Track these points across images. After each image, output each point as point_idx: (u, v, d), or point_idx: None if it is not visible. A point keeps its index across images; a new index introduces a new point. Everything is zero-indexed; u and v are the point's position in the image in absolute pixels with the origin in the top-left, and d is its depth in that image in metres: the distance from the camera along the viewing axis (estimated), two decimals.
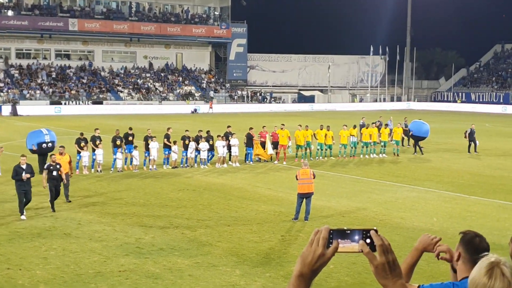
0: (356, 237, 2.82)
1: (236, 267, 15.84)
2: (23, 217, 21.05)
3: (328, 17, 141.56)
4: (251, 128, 36.39)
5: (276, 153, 36.34)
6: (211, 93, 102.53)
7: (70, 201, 23.91)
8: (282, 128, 36.66)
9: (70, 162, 25.19)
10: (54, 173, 22.70)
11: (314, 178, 21.08)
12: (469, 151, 40.86)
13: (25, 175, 21.27)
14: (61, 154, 24.69)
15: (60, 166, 23.11)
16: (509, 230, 19.73)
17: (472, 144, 41.14)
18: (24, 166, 21.52)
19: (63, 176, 23.18)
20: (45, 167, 23.27)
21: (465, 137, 41.47)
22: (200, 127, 38.44)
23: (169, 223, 20.66)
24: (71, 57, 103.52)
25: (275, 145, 36.35)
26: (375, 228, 2.83)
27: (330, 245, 2.77)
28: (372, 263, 2.83)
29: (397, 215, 22.21)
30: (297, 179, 21.04)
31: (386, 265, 2.83)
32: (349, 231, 2.82)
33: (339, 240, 2.80)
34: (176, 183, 28.97)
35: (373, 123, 43.66)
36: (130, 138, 33.59)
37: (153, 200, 24.86)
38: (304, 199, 20.94)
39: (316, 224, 20.39)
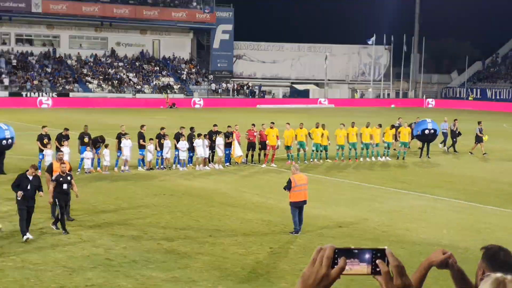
0: (366, 256, 2.78)
1: (218, 282, 15.80)
2: (28, 236, 19.28)
3: (325, 0, 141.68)
4: (228, 127, 36.54)
5: (265, 154, 36.49)
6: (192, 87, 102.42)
7: (73, 219, 22.14)
8: (272, 127, 36.71)
9: (70, 170, 22.84)
10: (65, 186, 20.93)
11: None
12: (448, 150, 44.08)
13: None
14: (60, 160, 22.68)
15: (72, 178, 21.45)
16: None
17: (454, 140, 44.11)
18: (31, 178, 19.93)
19: (75, 190, 21.58)
20: (53, 178, 21.23)
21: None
22: (180, 124, 38.53)
23: (143, 232, 20.60)
24: (33, 42, 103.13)
25: (263, 145, 36.57)
26: (386, 247, 2.80)
27: (335, 265, 2.74)
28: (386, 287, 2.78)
29: (402, 226, 22.24)
30: (290, 188, 20.45)
31: None
32: (356, 251, 2.79)
33: (347, 260, 2.76)
34: (151, 187, 28.91)
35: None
36: (86, 139, 32.97)
37: (125, 205, 24.78)
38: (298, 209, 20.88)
39: (309, 236, 20.40)
